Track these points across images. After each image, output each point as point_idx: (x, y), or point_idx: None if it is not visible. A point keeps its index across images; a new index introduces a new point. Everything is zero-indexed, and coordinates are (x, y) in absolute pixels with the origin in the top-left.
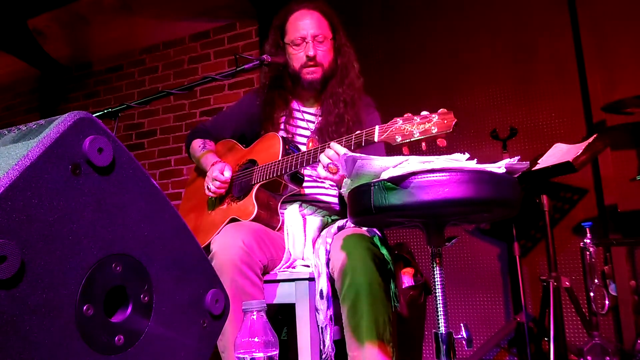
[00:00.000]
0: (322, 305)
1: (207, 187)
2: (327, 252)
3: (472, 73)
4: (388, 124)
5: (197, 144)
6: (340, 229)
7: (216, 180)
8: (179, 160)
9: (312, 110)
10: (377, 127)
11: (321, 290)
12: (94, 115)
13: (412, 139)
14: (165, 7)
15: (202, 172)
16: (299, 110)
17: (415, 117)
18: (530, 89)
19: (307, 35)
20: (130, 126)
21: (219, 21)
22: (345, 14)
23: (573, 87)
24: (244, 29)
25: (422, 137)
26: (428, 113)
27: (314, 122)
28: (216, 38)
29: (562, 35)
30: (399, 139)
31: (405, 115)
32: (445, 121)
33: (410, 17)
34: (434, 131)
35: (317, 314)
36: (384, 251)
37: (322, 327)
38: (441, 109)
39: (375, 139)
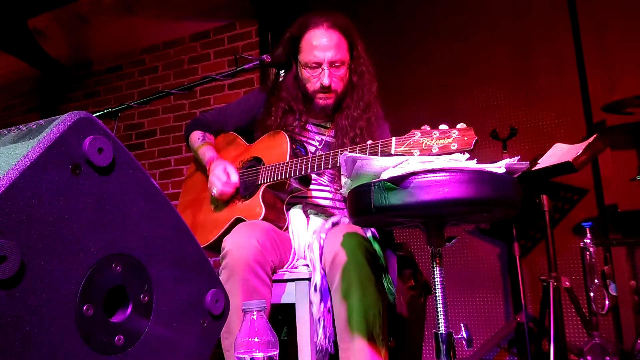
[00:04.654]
0: (315, 298)
1: (212, 191)
2: (321, 247)
3: (472, 73)
4: (405, 136)
5: (196, 135)
6: (334, 224)
7: (226, 186)
8: (179, 160)
9: (322, 123)
10: (394, 138)
11: (315, 284)
12: (94, 115)
13: (430, 155)
14: (165, 7)
15: (201, 165)
16: (311, 125)
17: (434, 132)
18: (530, 89)
19: (324, 61)
20: (130, 126)
21: (219, 21)
22: (346, 14)
23: (573, 87)
24: (244, 29)
25: (441, 153)
26: (447, 128)
27: (324, 134)
28: (216, 38)
29: (562, 36)
30: (417, 153)
31: (423, 128)
32: (466, 138)
33: (410, 17)
34: (453, 148)
35: (311, 306)
36: (376, 246)
37: (316, 320)
38: (460, 124)
39: (392, 151)
